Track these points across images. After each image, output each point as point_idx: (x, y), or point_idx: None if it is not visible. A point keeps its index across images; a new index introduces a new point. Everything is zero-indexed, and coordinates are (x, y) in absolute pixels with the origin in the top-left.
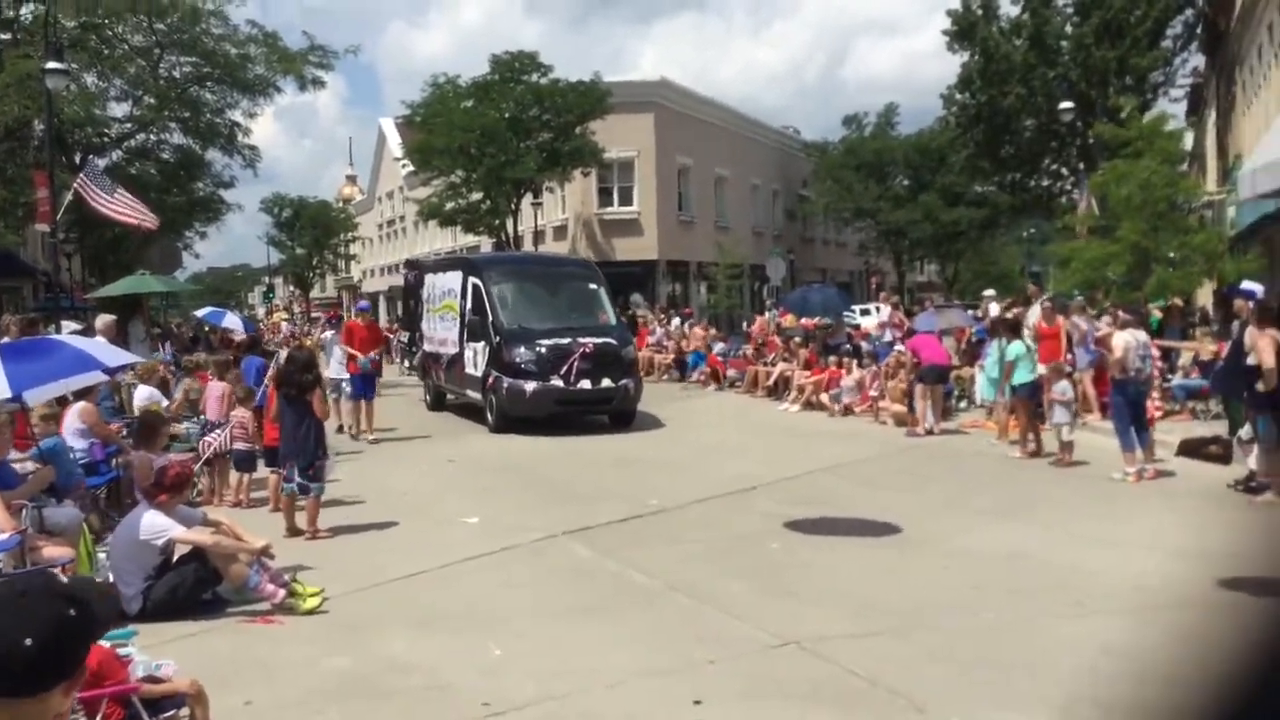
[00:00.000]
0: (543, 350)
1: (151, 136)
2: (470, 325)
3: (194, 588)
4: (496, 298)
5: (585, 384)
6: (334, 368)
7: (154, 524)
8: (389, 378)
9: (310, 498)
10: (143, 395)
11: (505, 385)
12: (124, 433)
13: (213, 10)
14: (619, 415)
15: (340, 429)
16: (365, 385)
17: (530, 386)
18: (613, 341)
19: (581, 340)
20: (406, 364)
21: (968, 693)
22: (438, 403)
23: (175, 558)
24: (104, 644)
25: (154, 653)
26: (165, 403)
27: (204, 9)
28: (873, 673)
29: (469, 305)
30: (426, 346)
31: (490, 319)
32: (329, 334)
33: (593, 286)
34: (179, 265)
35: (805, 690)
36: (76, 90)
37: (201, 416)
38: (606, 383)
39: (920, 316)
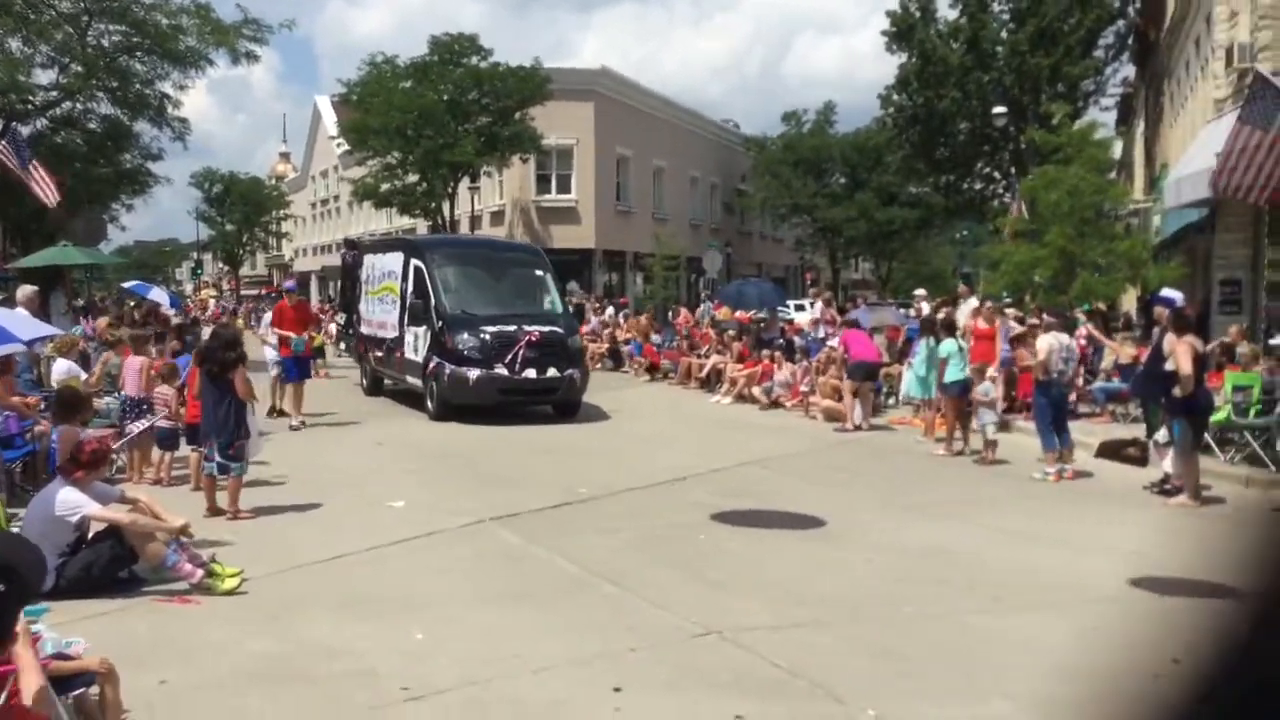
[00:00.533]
0: (487, 337)
1: (78, 105)
2: (411, 309)
3: (109, 566)
4: (440, 281)
5: (530, 373)
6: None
7: (69, 500)
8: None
9: (231, 477)
10: (61, 369)
11: (447, 372)
12: (43, 406)
13: None
14: (564, 406)
15: (272, 411)
16: (297, 368)
17: (474, 374)
18: (559, 330)
19: (527, 328)
20: (342, 346)
21: (886, 684)
22: (374, 388)
23: (91, 535)
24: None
25: (66, 630)
26: (84, 376)
27: None
28: (794, 663)
29: (410, 288)
30: (364, 329)
31: (433, 303)
32: (267, 315)
33: (539, 273)
34: (104, 237)
35: (726, 680)
36: (1, 55)
37: (121, 392)
38: (552, 372)
39: (857, 312)
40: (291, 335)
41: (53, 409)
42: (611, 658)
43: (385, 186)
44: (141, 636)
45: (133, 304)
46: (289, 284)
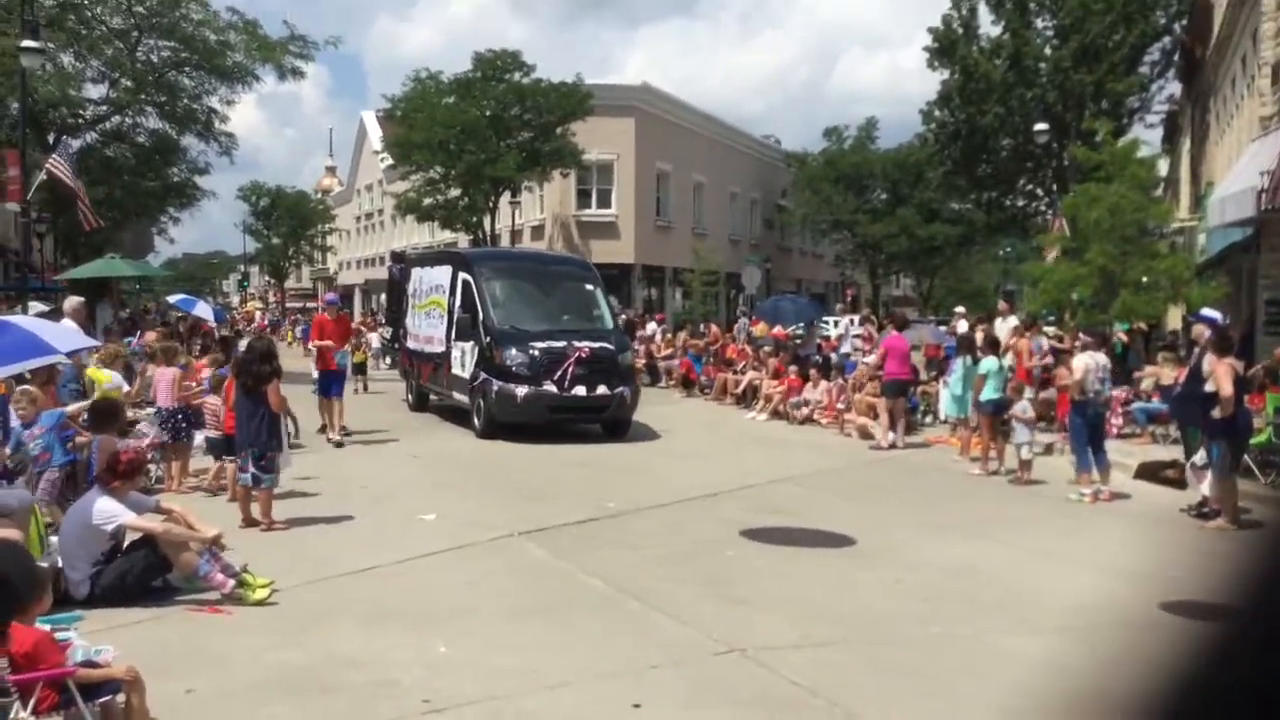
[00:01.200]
0: (536, 353)
1: (127, 119)
2: (459, 323)
3: (143, 574)
4: (488, 295)
5: (580, 390)
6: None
7: (105, 509)
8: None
9: (262, 489)
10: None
11: (495, 389)
12: (83, 418)
13: None
14: (613, 424)
15: (323, 429)
16: (335, 382)
17: (522, 391)
18: (610, 346)
19: (577, 344)
20: (388, 361)
21: (907, 704)
22: (420, 403)
23: (126, 544)
24: (43, 627)
25: (99, 638)
26: (126, 388)
27: None
28: (815, 682)
29: (458, 302)
30: (410, 344)
31: (481, 318)
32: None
33: (590, 287)
34: (151, 250)
35: (745, 697)
36: (52, 70)
37: (157, 404)
38: (602, 390)
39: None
40: (331, 344)
41: (89, 419)
42: (632, 674)
43: (428, 201)
44: (172, 645)
45: (179, 316)
46: (330, 297)
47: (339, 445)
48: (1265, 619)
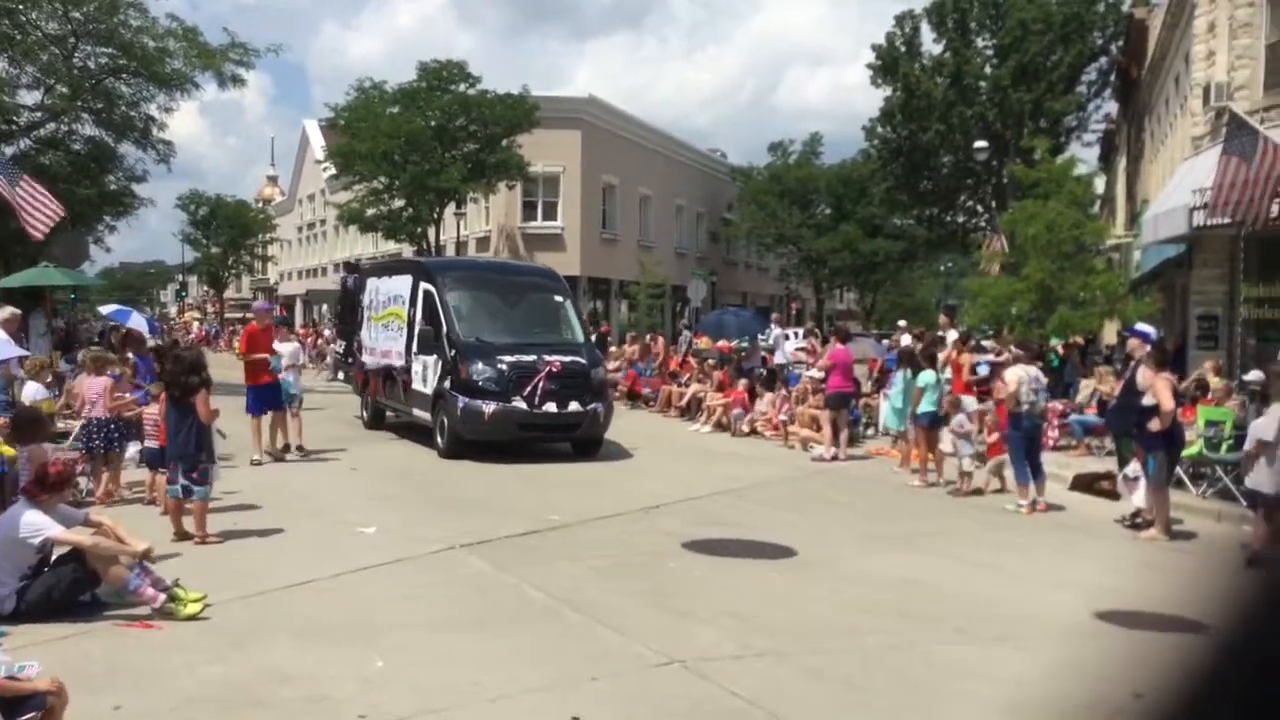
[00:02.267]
0: (504, 367)
1: (63, 126)
2: (420, 336)
3: (71, 589)
4: (452, 306)
5: (551, 407)
6: (286, 381)
7: (32, 522)
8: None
9: (195, 501)
10: (30, 391)
11: (460, 405)
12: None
13: (131, 2)
14: (585, 443)
15: (287, 448)
16: (271, 396)
17: (489, 408)
18: (581, 360)
19: (548, 358)
20: (340, 375)
21: (845, 715)
22: (376, 421)
23: (54, 558)
24: None
25: (25, 654)
26: (52, 399)
27: (122, 0)
28: (753, 693)
29: (419, 314)
30: (366, 358)
31: (445, 330)
32: (291, 344)
33: (558, 298)
34: (86, 258)
35: (684, 709)
36: None
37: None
38: (574, 406)
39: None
40: (267, 357)
41: (11, 431)
42: (571, 686)
43: (371, 211)
44: (100, 661)
45: (112, 326)
46: (260, 304)
47: (259, 463)
48: (1259, 647)
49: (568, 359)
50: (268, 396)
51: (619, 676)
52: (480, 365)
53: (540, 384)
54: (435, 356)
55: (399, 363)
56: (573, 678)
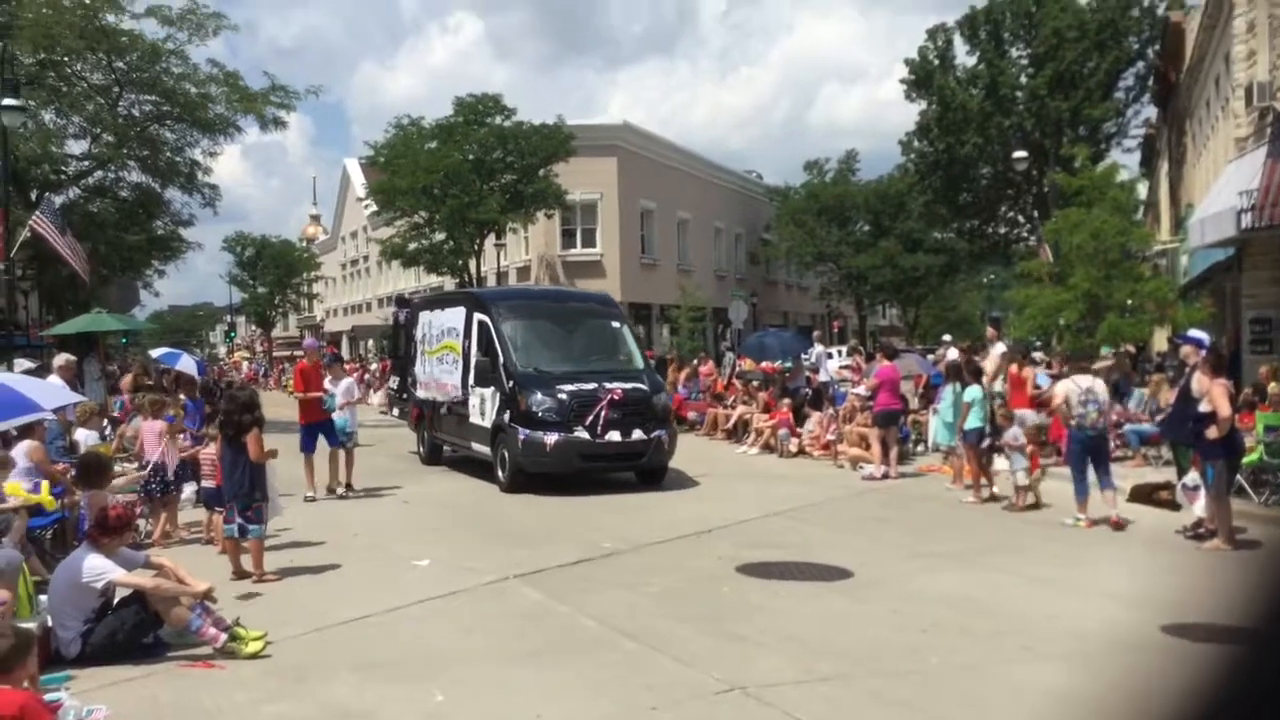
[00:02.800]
0: (565, 397)
1: (110, 174)
2: (477, 368)
3: (134, 631)
4: (508, 337)
5: (614, 435)
6: (341, 420)
7: (94, 566)
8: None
9: (251, 540)
10: (81, 438)
11: (522, 437)
12: (71, 474)
13: (173, 50)
14: (650, 472)
15: (332, 488)
16: (326, 431)
17: (551, 439)
18: (643, 387)
19: (609, 385)
20: (395, 411)
21: None
22: (433, 456)
23: (116, 600)
24: (28, 689)
25: (91, 697)
26: (110, 441)
27: (164, 48)
28: (818, 718)
29: (474, 345)
30: (421, 393)
31: (501, 361)
32: (345, 381)
33: (615, 324)
34: (136, 303)
35: None
36: (33, 127)
37: (146, 458)
38: (638, 434)
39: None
40: (320, 395)
41: (77, 475)
42: (633, 715)
43: (413, 246)
44: (164, 702)
45: (162, 370)
46: (309, 342)
47: (312, 499)
48: None
49: (629, 386)
50: (320, 433)
51: (680, 705)
52: (540, 395)
53: (602, 412)
54: (493, 388)
55: (455, 396)
56: (634, 707)
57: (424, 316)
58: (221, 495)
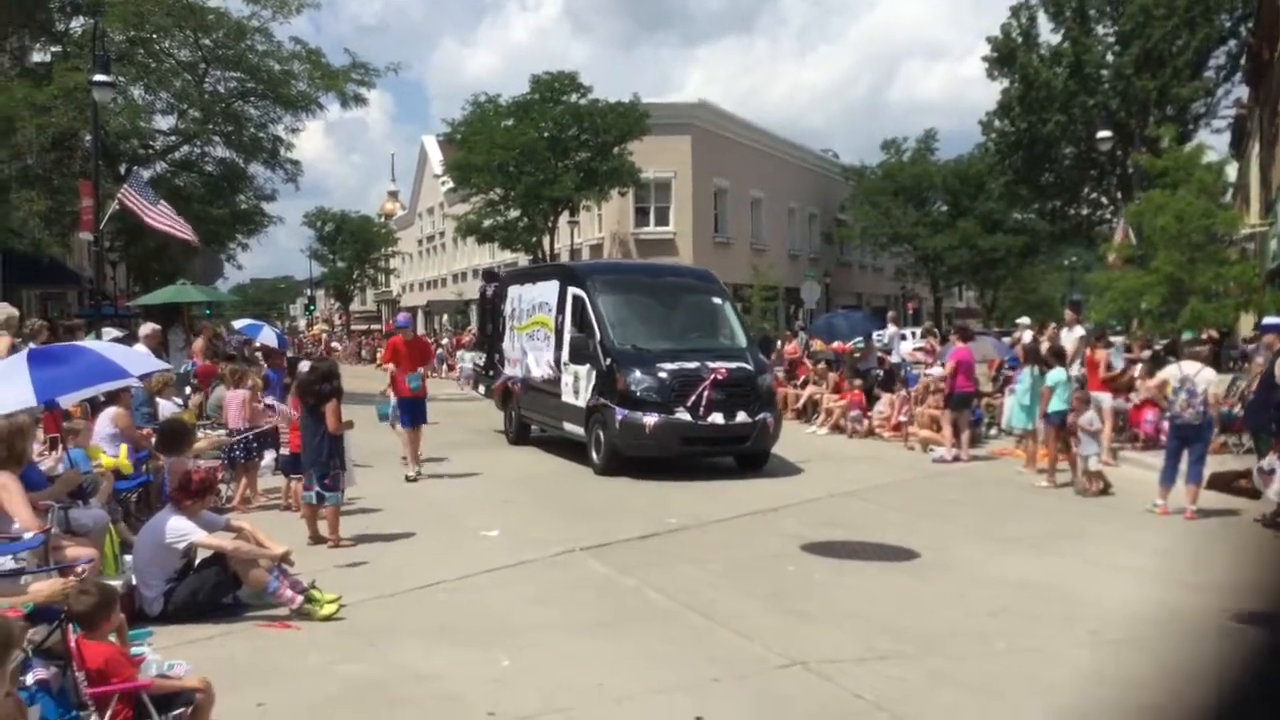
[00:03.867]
0: (665, 376)
1: (195, 149)
2: (573, 345)
3: (213, 591)
4: (605, 312)
5: (717, 418)
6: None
7: (177, 528)
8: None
9: (328, 507)
10: (164, 408)
11: (619, 418)
12: (154, 439)
13: (257, 27)
14: (753, 457)
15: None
16: (415, 410)
17: (651, 420)
18: (747, 367)
19: (711, 365)
20: (481, 389)
21: (972, 719)
22: (520, 436)
23: (197, 562)
24: (114, 643)
25: (171, 654)
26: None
27: (249, 26)
28: (879, 696)
29: (567, 321)
30: (509, 370)
31: (598, 337)
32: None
33: (717, 300)
34: (220, 275)
35: (809, 710)
36: (123, 103)
37: (230, 426)
38: (742, 417)
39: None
40: (407, 374)
41: (158, 442)
42: (694, 688)
43: (488, 222)
44: (242, 661)
45: (244, 340)
46: (402, 319)
47: (415, 479)
48: None
49: (733, 365)
50: (413, 410)
51: (742, 678)
52: (639, 374)
53: (705, 393)
54: (588, 366)
55: (547, 374)
56: (696, 679)
57: (513, 291)
58: (294, 462)
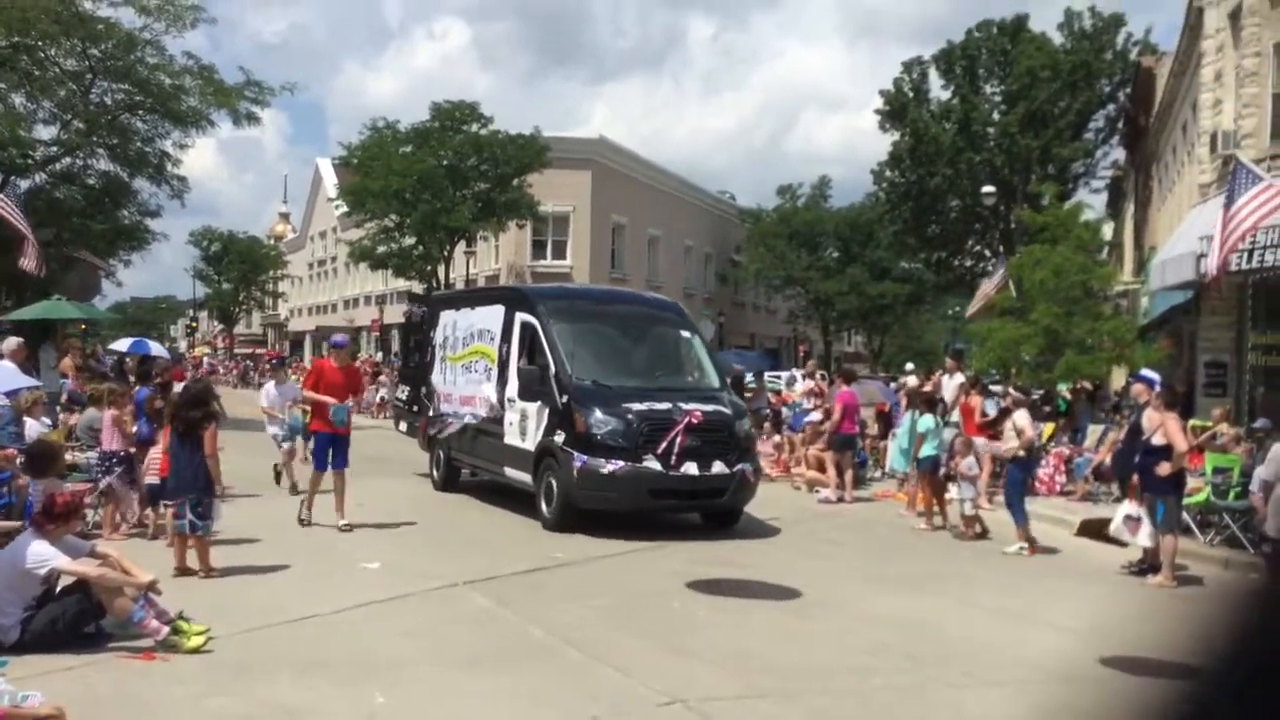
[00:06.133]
0: (632, 418)
1: (78, 161)
2: (523, 378)
3: (75, 620)
4: (560, 342)
5: (690, 468)
6: (279, 419)
7: (38, 553)
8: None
9: (198, 536)
10: (31, 429)
11: (578, 464)
12: (20, 460)
13: (149, 40)
14: (725, 514)
15: (280, 480)
16: (338, 448)
17: (613, 467)
18: (725, 410)
19: (685, 406)
20: (403, 427)
21: None
22: (449, 481)
23: (59, 588)
24: None
25: (28, 685)
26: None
27: (140, 38)
28: None
29: (513, 351)
30: (443, 406)
31: (553, 370)
32: (269, 384)
33: (686, 334)
34: (98, 292)
35: None
36: (3, 110)
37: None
38: (719, 467)
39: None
40: (330, 402)
41: (26, 463)
42: None
43: (381, 249)
44: (104, 693)
45: (120, 356)
46: (338, 339)
47: (347, 530)
48: (1245, 672)
49: (708, 408)
50: (337, 447)
51: (621, 715)
52: (601, 415)
53: (678, 439)
54: (539, 403)
55: (484, 412)
56: (576, 716)
57: (446, 316)
58: (165, 490)
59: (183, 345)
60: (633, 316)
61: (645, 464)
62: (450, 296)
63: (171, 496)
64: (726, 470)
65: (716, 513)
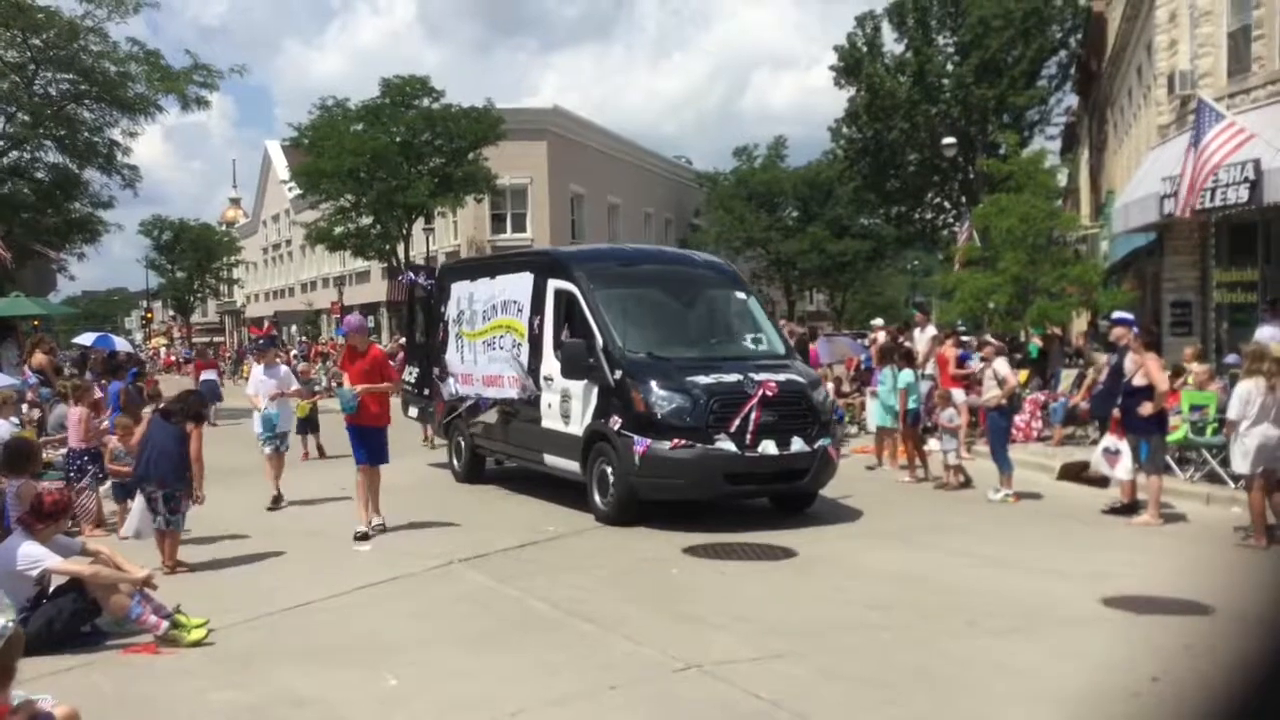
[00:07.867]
0: (699, 393)
1: (25, 155)
2: (566, 353)
3: (71, 620)
4: (606, 311)
5: (769, 446)
6: (269, 414)
7: (29, 553)
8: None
9: (170, 530)
10: (1, 429)
11: (639, 449)
12: None
13: (91, 27)
14: (801, 498)
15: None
16: (362, 442)
17: (682, 452)
18: (799, 379)
19: (756, 377)
20: (414, 412)
21: (870, 712)
22: (472, 472)
23: (52, 589)
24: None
25: (29, 688)
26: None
27: (82, 25)
28: (776, 694)
29: (549, 323)
30: (458, 387)
31: (600, 344)
32: (256, 368)
33: (741, 295)
34: (53, 287)
35: (710, 713)
36: None
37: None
38: (798, 445)
39: (818, 344)
40: (353, 388)
41: (2, 461)
42: (591, 697)
43: (339, 230)
44: (107, 692)
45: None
46: (353, 319)
47: (375, 533)
48: None
49: (782, 378)
50: (377, 442)
51: (639, 684)
52: (663, 391)
53: (753, 414)
54: (585, 382)
55: (512, 392)
56: (592, 687)
57: (460, 288)
58: (130, 487)
59: (139, 337)
60: (682, 278)
61: (718, 445)
62: (464, 265)
63: (141, 481)
64: (807, 448)
65: (793, 496)
